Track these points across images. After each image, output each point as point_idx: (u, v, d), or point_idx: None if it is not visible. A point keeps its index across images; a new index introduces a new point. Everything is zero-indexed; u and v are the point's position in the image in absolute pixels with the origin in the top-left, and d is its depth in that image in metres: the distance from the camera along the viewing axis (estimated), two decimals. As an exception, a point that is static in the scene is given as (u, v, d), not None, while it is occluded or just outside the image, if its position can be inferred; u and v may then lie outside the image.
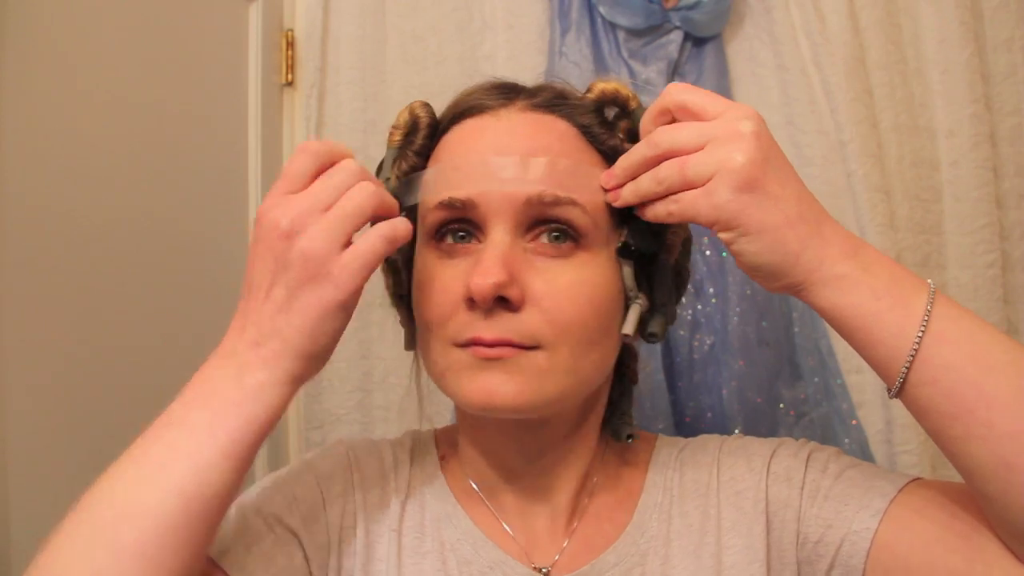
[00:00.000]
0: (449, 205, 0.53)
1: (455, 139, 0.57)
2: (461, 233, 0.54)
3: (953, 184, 1.09)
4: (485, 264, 0.50)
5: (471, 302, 0.51)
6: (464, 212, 0.53)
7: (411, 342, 0.63)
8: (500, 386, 0.51)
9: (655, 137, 0.49)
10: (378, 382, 1.09)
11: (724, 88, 1.08)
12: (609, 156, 0.56)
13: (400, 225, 0.49)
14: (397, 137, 0.59)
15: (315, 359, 0.48)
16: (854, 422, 1.02)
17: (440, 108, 0.61)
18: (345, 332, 1.19)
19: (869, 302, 0.46)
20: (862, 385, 1.04)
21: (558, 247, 0.53)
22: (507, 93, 0.58)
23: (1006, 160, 1.11)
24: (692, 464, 0.62)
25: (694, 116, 0.48)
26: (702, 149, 0.47)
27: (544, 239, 0.53)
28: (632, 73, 1.06)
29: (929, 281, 0.47)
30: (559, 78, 0.72)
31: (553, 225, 0.53)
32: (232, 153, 1.04)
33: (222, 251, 1.02)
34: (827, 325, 1.05)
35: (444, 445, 0.65)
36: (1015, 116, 1.12)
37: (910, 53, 1.11)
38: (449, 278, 0.53)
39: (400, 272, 0.61)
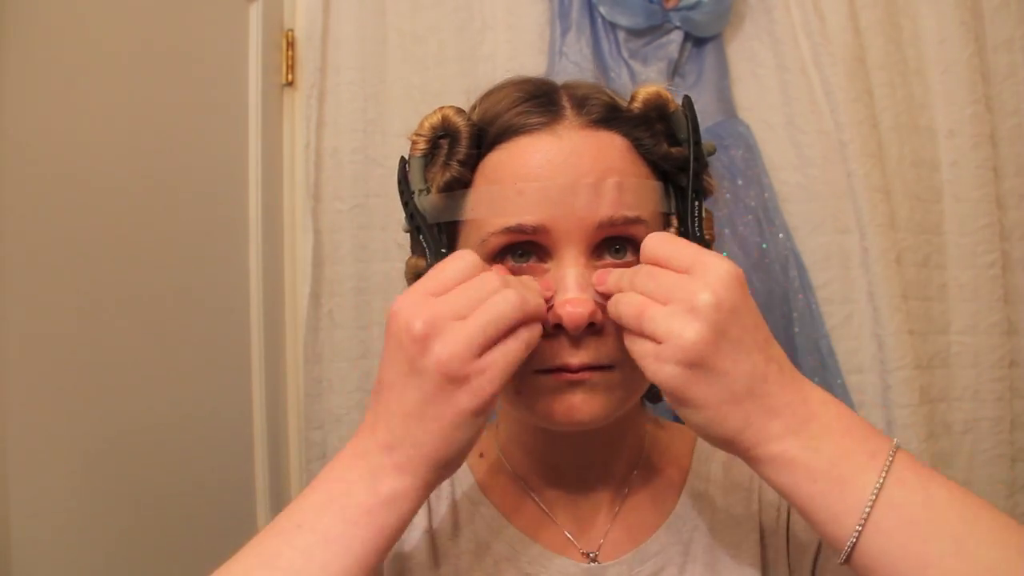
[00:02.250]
0: (518, 230, 0.52)
1: (512, 159, 0.55)
2: (521, 252, 0.53)
3: (953, 184, 1.09)
4: (573, 293, 0.50)
5: (557, 328, 0.51)
6: (533, 237, 0.52)
7: None
8: (582, 404, 0.51)
9: (632, 276, 0.49)
10: (378, 382, 1.09)
11: (724, 88, 1.08)
12: (657, 165, 0.57)
13: (537, 329, 0.48)
14: (422, 145, 0.56)
15: (448, 467, 0.47)
16: (854, 422, 1.02)
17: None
18: (345, 332, 1.19)
19: (804, 484, 0.44)
20: (862, 385, 1.05)
21: (623, 259, 0.54)
22: (554, 106, 0.56)
23: (1006, 160, 1.11)
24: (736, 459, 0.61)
25: (668, 267, 0.49)
26: (665, 303, 0.47)
27: (608, 257, 0.54)
28: (632, 73, 1.06)
29: (891, 449, 0.44)
30: (573, 76, 0.71)
31: (619, 241, 0.54)
32: (232, 153, 1.04)
33: (222, 250, 1.02)
34: (827, 325, 1.07)
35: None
36: (1015, 116, 1.12)
37: (910, 53, 1.11)
38: None
39: None
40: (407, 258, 0.62)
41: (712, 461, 0.62)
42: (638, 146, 0.56)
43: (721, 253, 0.93)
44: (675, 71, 1.07)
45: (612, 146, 0.55)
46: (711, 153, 0.59)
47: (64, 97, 0.74)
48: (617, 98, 0.58)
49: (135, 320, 0.82)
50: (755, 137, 1.08)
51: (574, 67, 1.04)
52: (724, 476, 0.61)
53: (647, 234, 0.52)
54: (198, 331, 0.94)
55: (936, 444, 1.05)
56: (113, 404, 0.78)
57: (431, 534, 0.58)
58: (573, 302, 0.49)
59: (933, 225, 1.09)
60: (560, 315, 0.50)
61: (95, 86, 0.78)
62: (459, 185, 0.55)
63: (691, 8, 1.04)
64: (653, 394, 0.66)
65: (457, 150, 0.56)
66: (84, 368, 0.75)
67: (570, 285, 0.51)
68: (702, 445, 0.64)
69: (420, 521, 0.59)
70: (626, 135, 0.56)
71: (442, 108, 0.57)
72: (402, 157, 0.59)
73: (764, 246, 1.03)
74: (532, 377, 0.52)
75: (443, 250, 0.55)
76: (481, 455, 0.63)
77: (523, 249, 0.53)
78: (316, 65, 1.09)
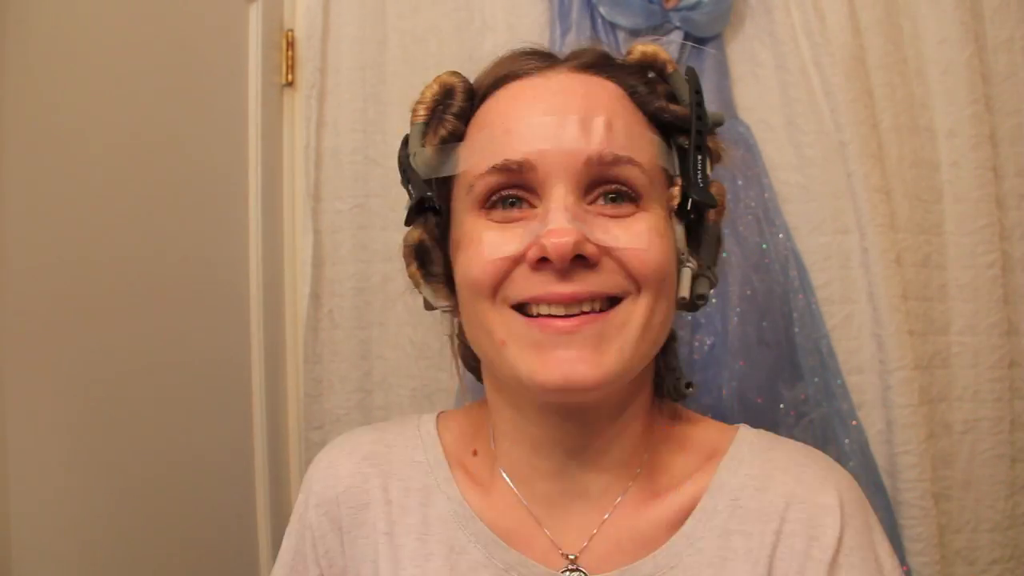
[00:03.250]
0: (504, 168, 0.50)
1: (501, 103, 0.54)
2: (511, 200, 0.52)
3: (953, 184, 1.09)
4: (557, 222, 0.47)
5: (540, 263, 0.48)
6: (520, 175, 0.50)
7: (453, 322, 0.61)
8: (577, 363, 0.48)
9: None
10: (378, 382, 1.09)
11: (724, 88, 1.08)
12: (653, 118, 0.55)
13: None
14: (422, 112, 0.56)
15: None
16: (854, 423, 1.02)
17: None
18: (345, 332, 1.19)
19: None
20: (862, 385, 1.05)
21: (618, 207, 0.51)
22: (548, 57, 0.57)
23: (1006, 160, 1.11)
24: (771, 479, 0.54)
25: None
26: None
27: (602, 202, 0.51)
28: (632, 73, 1.07)
29: None
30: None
31: (612, 186, 0.51)
32: (232, 153, 1.04)
33: (222, 250, 1.02)
34: (827, 325, 1.06)
35: (460, 435, 0.62)
36: (1015, 116, 1.11)
37: (910, 53, 1.11)
38: (506, 241, 0.50)
39: (430, 251, 0.57)
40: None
41: (743, 472, 0.55)
42: (632, 94, 0.55)
43: (720, 254, 0.94)
44: (675, 71, 1.07)
45: (603, 89, 0.54)
46: (718, 123, 0.57)
47: (63, 97, 0.74)
48: (613, 51, 0.58)
49: (134, 320, 0.82)
50: (755, 137, 1.08)
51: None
52: (753, 496, 0.54)
53: (642, 179, 0.51)
54: (198, 331, 0.94)
55: (936, 444, 1.05)
56: (113, 404, 0.78)
57: (389, 536, 0.57)
58: (557, 232, 0.47)
59: (933, 225, 1.09)
60: (543, 245, 0.47)
61: (95, 86, 0.78)
62: (453, 139, 0.55)
63: (691, 8, 1.04)
64: (668, 388, 0.60)
65: (451, 103, 0.55)
66: (83, 368, 0.75)
67: (554, 217, 0.48)
68: (738, 450, 0.56)
69: (377, 523, 0.57)
70: (619, 83, 0.55)
71: (438, 76, 0.57)
72: (402, 141, 0.59)
73: (764, 246, 1.03)
74: (511, 317, 0.50)
75: (429, 193, 0.53)
76: (475, 452, 0.60)
77: (513, 196, 0.51)
78: (316, 65, 1.09)
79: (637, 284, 0.50)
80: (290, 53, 1.12)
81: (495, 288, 0.50)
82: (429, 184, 0.55)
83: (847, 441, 1.02)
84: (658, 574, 0.52)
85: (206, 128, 0.99)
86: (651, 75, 0.57)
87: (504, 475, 0.58)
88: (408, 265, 0.58)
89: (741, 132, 1.07)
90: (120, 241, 0.81)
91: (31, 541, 0.67)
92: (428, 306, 0.60)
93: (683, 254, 0.54)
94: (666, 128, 0.55)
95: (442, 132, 0.55)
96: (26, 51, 0.69)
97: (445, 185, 0.56)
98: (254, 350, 1.05)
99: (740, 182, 1.04)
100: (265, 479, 1.04)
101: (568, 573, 0.53)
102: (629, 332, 0.49)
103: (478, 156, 0.52)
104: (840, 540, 0.52)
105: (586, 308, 0.49)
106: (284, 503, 1.08)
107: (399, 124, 1.11)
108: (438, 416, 0.64)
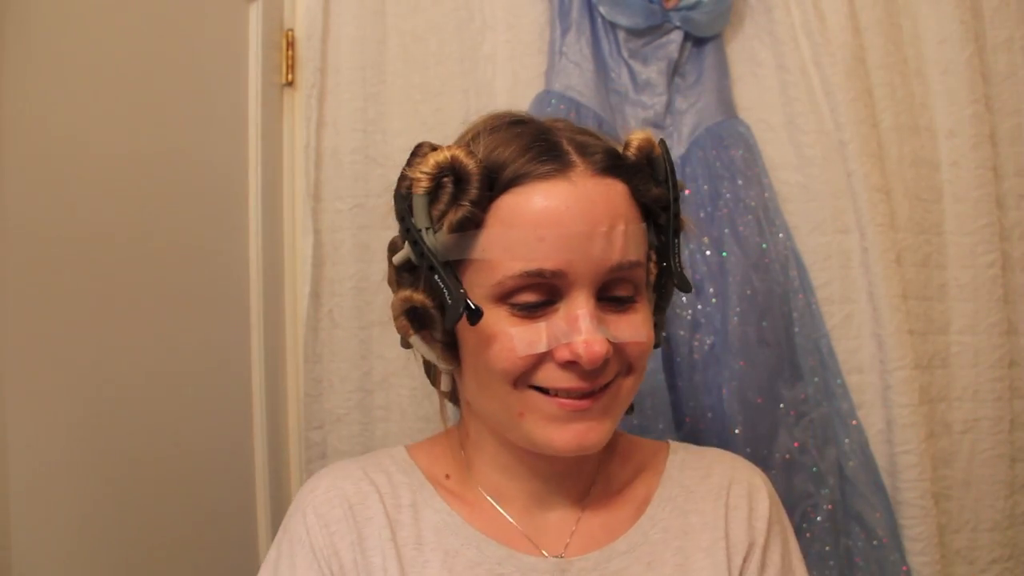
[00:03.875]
0: (538, 275, 0.55)
1: (528, 202, 0.56)
2: (530, 297, 0.57)
3: (953, 184, 1.09)
4: (589, 332, 0.55)
5: (569, 364, 0.56)
6: (549, 280, 0.56)
7: (451, 391, 0.69)
8: (588, 432, 0.57)
9: None
10: (378, 382, 1.09)
11: (724, 88, 1.08)
12: (647, 208, 0.61)
13: None
14: (426, 183, 0.57)
15: None
16: (854, 422, 1.03)
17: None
18: (345, 332, 1.19)
19: None
20: (862, 385, 1.05)
21: (624, 307, 0.59)
22: (561, 153, 0.58)
23: (1006, 160, 1.11)
24: (711, 470, 0.68)
25: None
26: None
27: (605, 301, 0.58)
28: (632, 73, 1.06)
29: None
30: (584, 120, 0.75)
31: (621, 286, 0.58)
32: (232, 153, 1.04)
33: (222, 251, 1.02)
34: (827, 325, 1.06)
35: (432, 461, 0.68)
36: (1015, 116, 1.12)
37: (910, 53, 1.11)
38: (533, 337, 0.56)
39: (433, 319, 0.60)
40: (395, 287, 0.64)
41: (687, 467, 0.68)
42: (634, 191, 0.60)
43: (720, 255, 0.96)
44: (675, 71, 1.07)
45: (618, 193, 0.59)
46: (682, 190, 0.65)
47: (63, 97, 0.74)
48: (610, 142, 0.62)
49: (134, 319, 0.82)
50: (755, 137, 1.08)
51: (574, 67, 1.04)
52: (700, 483, 0.66)
53: (643, 276, 0.60)
54: (198, 330, 0.94)
55: (936, 444, 1.05)
56: (113, 403, 0.79)
57: (393, 543, 0.60)
58: (590, 342, 0.54)
59: (933, 225, 1.09)
60: (579, 353, 0.54)
61: (94, 86, 0.78)
62: (471, 225, 0.57)
63: (691, 8, 1.04)
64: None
65: (468, 190, 0.56)
66: (83, 367, 0.75)
67: (585, 326, 0.55)
68: (677, 454, 0.69)
69: (382, 532, 0.61)
70: (626, 182, 0.60)
71: (450, 147, 0.57)
72: (398, 192, 0.60)
73: (764, 246, 1.03)
74: (531, 396, 0.57)
75: (461, 290, 0.56)
76: (447, 476, 0.66)
77: (535, 292, 0.56)
78: (316, 65, 1.09)
79: (631, 366, 0.59)
80: (290, 53, 1.12)
81: (521, 378, 0.57)
82: (448, 266, 0.58)
83: (847, 441, 1.02)
84: (632, 550, 0.61)
85: (206, 128, 0.99)
86: (646, 167, 0.62)
87: (484, 494, 0.65)
88: (396, 318, 0.61)
89: (741, 132, 1.07)
90: (120, 241, 0.81)
91: (31, 541, 0.67)
92: (405, 344, 0.64)
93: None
94: (648, 209, 0.62)
95: (460, 216, 0.56)
96: (26, 51, 0.69)
97: (455, 264, 0.59)
98: (254, 349, 1.05)
99: (740, 182, 1.04)
100: (265, 479, 1.04)
101: (554, 559, 0.61)
102: (621, 401, 0.60)
103: (508, 255, 0.56)
104: (769, 510, 0.65)
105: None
106: (284, 503, 1.08)
107: (399, 124, 1.11)
108: (407, 448, 0.69)
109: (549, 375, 0.56)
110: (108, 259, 0.79)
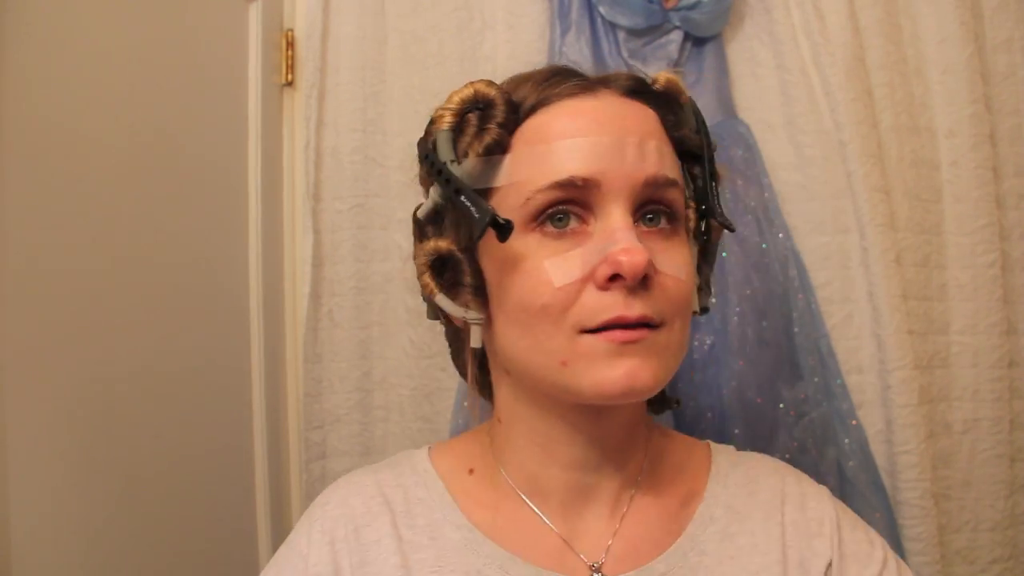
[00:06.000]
0: (568, 184, 0.51)
1: (556, 120, 0.54)
2: (560, 216, 0.53)
3: (953, 184, 1.09)
4: (629, 241, 0.50)
5: (610, 281, 0.50)
6: (581, 192, 0.52)
7: (478, 338, 0.58)
8: (640, 370, 0.51)
9: None
10: (378, 382, 1.09)
11: (724, 88, 1.08)
12: (676, 145, 0.58)
13: None
14: (449, 119, 0.55)
15: None
16: (854, 422, 1.03)
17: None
18: (345, 332, 1.19)
19: None
20: (862, 385, 1.05)
21: (663, 230, 0.54)
22: (584, 78, 0.58)
23: (1006, 160, 1.11)
24: (759, 483, 0.62)
25: None
26: None
27: (641, 224, 0.54)
28: (632, 73, 1.07)
29: None
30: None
31: (659, 207, 0.54)
32: (232, 153, 1.04)
33: (222, 250, 1.02)
34: (827, 325, 1.06)
35: (456, 458, 0.63)
36: (1015, 116, 1.11)
37: (910, 53, 1.11)
38: (570, 265, 0.51)
39: (459, 262, 0.56)
40: (419, 245, 0.59)
41: (732, 483, 0.61)
42: (664, 121, 0.58)
43: (720, 255, 0.96)
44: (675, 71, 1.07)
45: (646, 115, 0.56)
46: (714, 148, 0.61)
47: (63, 97, 0.74)
48: (647, 78, 0.60)
49: (134, 319, 0.82)
50: (755, 137, 1.08)
51: (574, 67, 1.04)
52: (747, 501, 0.60)
53: (682, 201, 0.55)
54: (198, 331, 0.94)
55: (936, 444, 1.05)
56: (113, 403, 0.79)
57: (405, 569, 0.57)
58: (631, 249, 0.49)
59: (933, 225, 1.09)
60: (620, 262, 0.49)
61: (94, 86, 0.78)
62: (498, 149, 0.54)
63: (691, 8, 1.04)
64: (657, 403, 0.66)
65: (494, 114, 0.55)
66: (83, 368, 0.75)
67: (623, 236, 0.50)
68: (720, 465, 0.63)
69: (390, 558, 0.57)
70: (655, 109, 0.58)
71: (472, 83, 0.56)
72: (422, 140, 0.58)
73: (764, 246, 1.03)
74: (579, 340, 0.51)
75: (489, 205, 0.51)
76: (471, 471, 0.62)
77: (562, 212, 0.52)
78: (316, 65, 1.09)
79: (672, 311, 0.53)
80: (290, 53, 1.12)
81: (562, 313, 0.51)
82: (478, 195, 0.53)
83: (847, 441, 1.02)
84: (669, 571, 0.56)
85: (206, 128, 0.99)
86: (675, 105, 0.60)
87: (514, 487, 0.59)
88: (421, 274, 0.57)
89: (741, 132, 1.07)
90: (120, 241, 0.81)
91: (31, 541, 0.67)
92: (432, 315, 0.61)
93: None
94: (681, 155, 0.59)
95: (487, 141, 0.54)
96: (25, 51, 0.69)
97: (482, 193, 0.55)
98: (254, 350, 1.05)
99: (740, 182, 1.04)
100: (265, 479, 1.04)
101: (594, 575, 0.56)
102: (670, 352, 0.54)
103: (535, 170, 0.52)
104: (836, 513, 0.60)
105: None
106: (284, 503, 1.08)
107: (399, 124, 1.11)
108: (430, 450, 0.65)
109: (593, 304, 0.51)
110: (108, 259, 0.79)
